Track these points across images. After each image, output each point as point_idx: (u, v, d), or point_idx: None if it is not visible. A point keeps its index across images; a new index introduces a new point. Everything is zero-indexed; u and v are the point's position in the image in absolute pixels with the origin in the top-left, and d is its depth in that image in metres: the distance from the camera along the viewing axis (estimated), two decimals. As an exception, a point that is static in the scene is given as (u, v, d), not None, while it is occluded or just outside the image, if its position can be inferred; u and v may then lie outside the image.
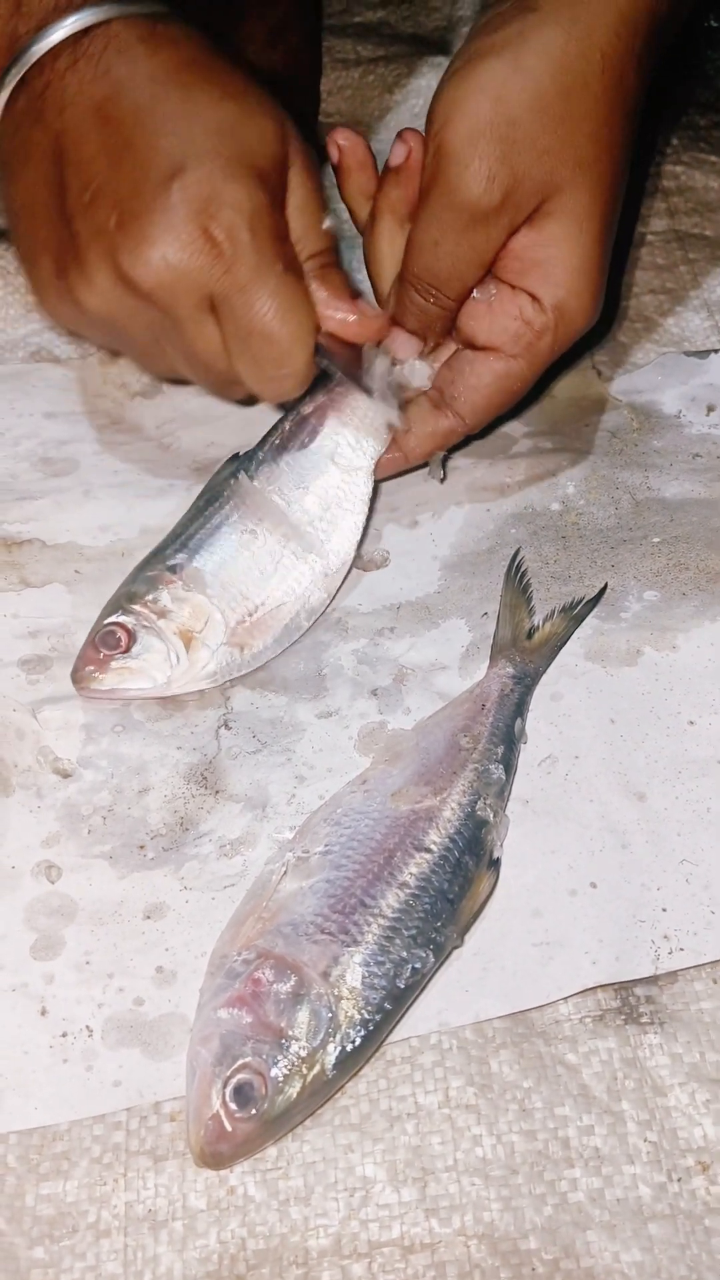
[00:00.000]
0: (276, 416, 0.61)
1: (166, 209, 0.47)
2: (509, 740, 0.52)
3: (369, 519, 0.59)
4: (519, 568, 0.58)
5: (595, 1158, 0.44)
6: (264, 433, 0.60)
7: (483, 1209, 0.43)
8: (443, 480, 0.62)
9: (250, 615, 0.55)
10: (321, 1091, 0.44)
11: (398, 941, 0.46)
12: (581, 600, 0.58)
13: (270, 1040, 0.43)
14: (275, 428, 0.59)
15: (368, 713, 0.55)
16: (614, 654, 0.56)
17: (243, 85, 0.50)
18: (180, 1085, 0.45)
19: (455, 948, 0.48)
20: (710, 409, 0.66)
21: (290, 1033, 0.43)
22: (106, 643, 0.54)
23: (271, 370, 0.51)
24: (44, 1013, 0.47)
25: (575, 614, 0.57)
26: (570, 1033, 0.47)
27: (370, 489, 0.58)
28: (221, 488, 0.58)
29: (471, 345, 0.56)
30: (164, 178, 0.47)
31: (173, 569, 0.55)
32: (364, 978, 0.45)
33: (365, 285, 0.58)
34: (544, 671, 0.56)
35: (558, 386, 0.67)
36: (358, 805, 0.50)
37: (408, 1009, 0.46)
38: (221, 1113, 0.42)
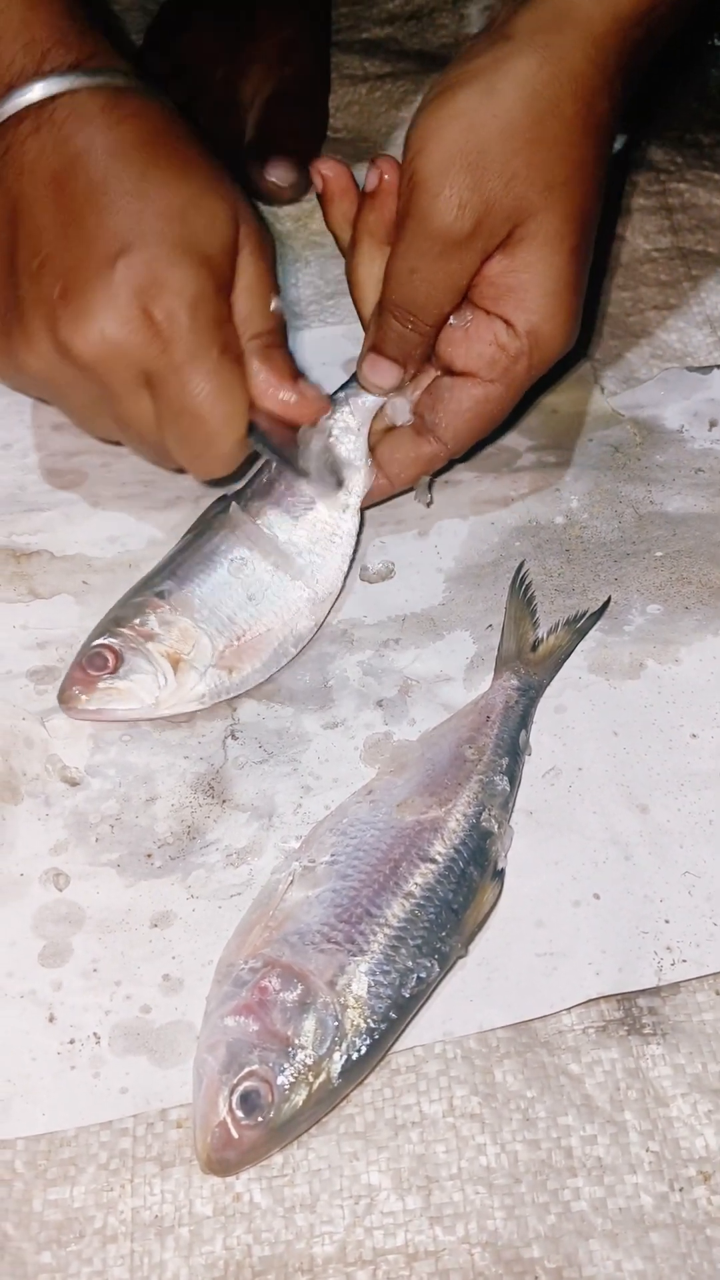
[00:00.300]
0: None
1: (109, 286, 0.48)
2: (513, 752, 0.53)
3: (357, 547, 0.59)
4: (524, 580, 0.59)
5: (598, 1167, 0.45)
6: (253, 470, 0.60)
7: (486, 1217, 0.44)
8: (429, 504, 0.63)
9: (238, 639, 0.55)
10: (327, 1099, 0.44)
11: (403, 951, 0.46)
12: (585, 613, 0.58)
13: (277, 1048, 0.43)
14: (264, 465, 0.60)
15: (373, 724, 0.55)
16: (617, 667, 0.57)
17: (198, 165, 0.51)
18: (187, 1092, 0.45)
19: (460, 958, 0.48)
20: (712, 424, 0.67)
21: (297, 1041, 0.44)
22: (94, 664, 0.54)
23: (200, 450, 0.52)
24: (52, 1019, 0.47)
25: (579, 627, 0.58)
26: (573, 1043, 0.47)
27: (357, 523, 0.59)
28: (211, 520, 0.59)
29: (450, 371, 0.56)
30: (110, 256, 0.48)
31: (161, 595, 0.56)
32: (370, 987, 0.45)
33: (307, 367, 0.58)
34: (548, 684, 0.56)
35: (561, 401, 0.68)
36: (363, 815, 0.50)
37: (413, 1018, 0.47)
38: (228, 1120, 0.42)
